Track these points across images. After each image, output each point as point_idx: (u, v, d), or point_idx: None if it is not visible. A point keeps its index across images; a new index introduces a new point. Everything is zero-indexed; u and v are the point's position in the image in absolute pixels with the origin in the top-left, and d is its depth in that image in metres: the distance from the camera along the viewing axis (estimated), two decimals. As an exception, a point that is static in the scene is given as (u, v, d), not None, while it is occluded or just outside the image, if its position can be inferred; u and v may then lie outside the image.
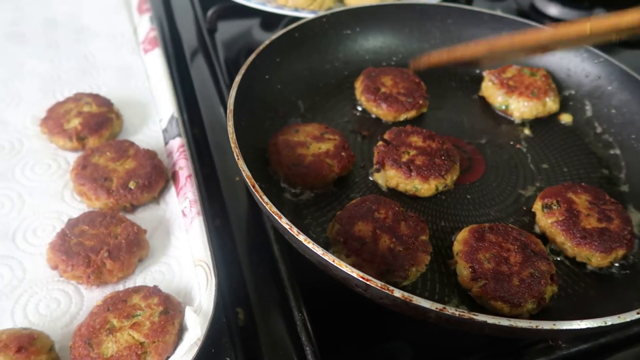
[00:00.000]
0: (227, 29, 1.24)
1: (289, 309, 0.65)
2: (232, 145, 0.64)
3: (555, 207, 0.70)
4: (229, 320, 0.64)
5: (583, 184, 0.74)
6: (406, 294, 0.49)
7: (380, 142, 0.78)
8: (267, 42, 0.85)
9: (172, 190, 0.77)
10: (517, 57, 0.88)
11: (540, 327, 0.48)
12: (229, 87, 0.98)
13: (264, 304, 0.68)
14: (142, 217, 0.73)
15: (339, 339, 0.64)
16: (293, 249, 0.62)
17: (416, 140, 0.77)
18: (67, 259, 0.63)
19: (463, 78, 1.00)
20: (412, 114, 0.88)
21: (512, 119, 0.91)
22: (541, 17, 1.39)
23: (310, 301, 0.65)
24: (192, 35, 1.21)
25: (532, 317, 0.59)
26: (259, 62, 0.81)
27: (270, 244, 0.72)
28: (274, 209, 0.57)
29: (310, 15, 1.01)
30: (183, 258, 0.68)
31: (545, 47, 0.77)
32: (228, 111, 0.69)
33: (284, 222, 0.56)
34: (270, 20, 1.26)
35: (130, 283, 0.66)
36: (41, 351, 0.54)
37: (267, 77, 0.85)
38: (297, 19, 1.05)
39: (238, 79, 0.75)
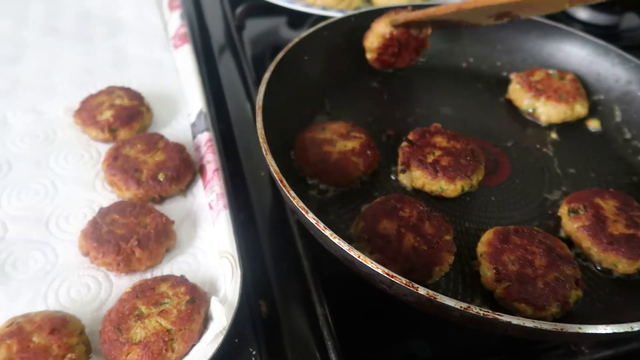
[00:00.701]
0: (254, 27, 1.26)
1: (311, 303, 0.66)
2: (261, 140, 0.65)
3: (582, 212, 0.70)
4: (252, 312, 0.65)
5: (611, 189, 0.74)
6: (430, 292, 0.49)
7: (404, 143, 0.78)
8: (296, 39, 0.86)
9: (199, 183, 0.78)
10: (484, 20, 0.86)
11: (565, 330, 0.48)
12: (255, 84, 1.00)
13: (287, 297, 0.69)
14: (170, 209, 0.75)
15: (360, 334, 0.65)
16: (316, 244, 0.63)
17: (440, 140, 0.77)
18: (98, 246, 0.65)
19: (490, 80, 1.00)
20: None
21: (539, 122, 0.90)
22: (571, 21, 1.37)
23: (332, 296, 0.65)
24: (221, 32, 1.23)
25: (555, 320, 0.59)
26: (288, 60, 0.82)
27: (294, 238, 0.73)
28: (301, 204, 0.58)
29: (338, 15, 1.02)
30: (209, 249, 0.70)
31: (508, 12, 0.80)
32: (257, 107, 0.70)
33: (311, 217, 0.56)
34: (297, 19, 1.28)
35: (157, 272, 0.67)
36: (73, 334, 0.56)
37: (295, 74, 0.86)
38: (324, 17, 1.06)
39: (267, 75, 0.77)
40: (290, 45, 0.84)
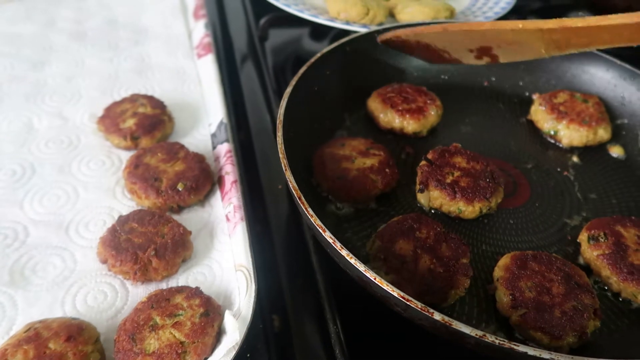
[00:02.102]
0: (277, 37, 1.27)
1: (324, 320, 0.66)
2: (281, 156, 0.66)
3: (602, 240, 0.68)
4: (265, 327, 0.65)
5: (633, 217, 0.72)
6: (446, 318, 0.49)
7: (423, 162, 0.78)
8: (318, 54, 0.87)
9: (218, 194, 0.79)
10: (465, 55, 0.87)
11: (582, 364, 0.47)
12: (276, 95, 1.01)
13: (300, 313, 0.69)
14: (188, 219, 0.75)
15: (372, 354, 0.64)
16: (332, 260, 0.62)
17: (460, 161, 0.77)
18: (116, 254, 0.66)
19: (511, 100, 0.99)
20: None
21: (560, 145, 0.89)
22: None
23: (346, 314, 0.65)
24: (244, 42, 1.25)
25: (572, 350, 0.58)
26: (310, 74, 0.83)
27: (309, 254, 0.73)
28: (319, 222, 0.58)
29: (361, 29, 1.03)
30: (224, 262, 0.70)
31: (488, 47, 0.82)
32: (278, 122, 0.71)
33: (328, 236, 0.56)
34: (319, 31, 1.28)
35: (172, 282, 0.68)
36: (88, 342, 0.57)
37: (316, 89, 0.86)
38: (346, 31, 1.07)
39: (289, 90, 0.77)
40: (312, 60, 0.85)
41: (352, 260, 0.54)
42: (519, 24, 0.74)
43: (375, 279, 0.52)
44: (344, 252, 0.55)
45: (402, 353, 0.65)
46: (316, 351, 0.65)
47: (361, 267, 0.53)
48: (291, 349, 0.65)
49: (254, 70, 1.16)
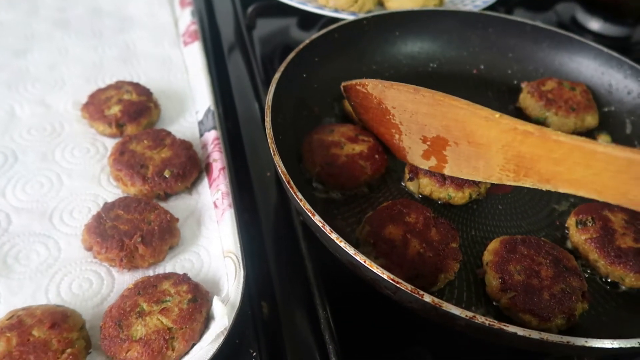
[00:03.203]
0: (264, 26, 1.26)
1: (313, 306, 0.65)
2: (269, 141, 0.65)
3: (590, 224, 0.69)
4: (253, 313, 0.65)
5: (620, 202, 0.73)
6: (436, 299, 0.49)
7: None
8: (307, 41, 0.86)
9: (205, 181, 0.78)
10: (419, 139, 0.72)
11: (571, 343, 0.47)
12: (264, 84, 1.00)
13: (289, 300, 0.68)
14: (174, 206, 0.74)
15: (362, 339, 0.64)
16: (320, 247, 0.62)
17: (450, 147, 0.77)
18: (102, 241, 0.65)
19: (500, 88, 0.99)
20: None
21: (548, 132, 0.90)
22: (582, 31, 1.36)
23: (335, 300, 0.65)
24: (231, 31, 1.23)
25: (560, 332, 0.58)
26: (298, 61, 0.82)
27: (298, 240, 0.72)
28: (308, 206, 0.57)
29: (350, 17, 1.02)
30: (212, 248, 0.69)
31: (444, 141, 0.69)
32: (266, 107, 0.70)
33: (317, 220, 0.56)
34: (307, 20, 1.27)
35: (160, 269, 0.67)
36: (73, 329, 0.56)
37: (304, 75, 0.85)
38: (335, 19, 1.06)
39: (278, 75, 0.76)
40: (301, 46, 0.84)
41: (342, 244, 0.54)
42: (497, 114, 0.63)
43: (365, 261, 0.52)
44: (334, 236, 0.54)
45: (391, 337, 0.65)
46: (305, 337, 0.65)
47: (351, 250, 0.53)
48: (280, 335, 0.65)
49: (242, 59, 1.14)
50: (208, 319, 0.60)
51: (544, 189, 0.63)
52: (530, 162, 0.62)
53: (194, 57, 1.01)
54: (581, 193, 0.62)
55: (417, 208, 0.67)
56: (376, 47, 0.98)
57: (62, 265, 0.66)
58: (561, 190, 0.62)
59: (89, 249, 0.66)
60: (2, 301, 0.61)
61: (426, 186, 0.73)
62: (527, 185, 0.64)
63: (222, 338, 0.56)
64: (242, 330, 0.61)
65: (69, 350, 0.54)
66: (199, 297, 0.60)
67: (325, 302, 0.64)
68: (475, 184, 0.72)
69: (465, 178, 0.71)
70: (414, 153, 0.74)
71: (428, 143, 0.71)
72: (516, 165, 0.63)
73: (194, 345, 0.57)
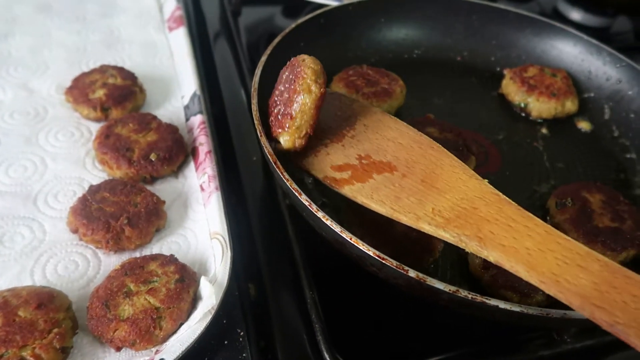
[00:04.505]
0: (250, 14, 1.25)
1: (300, 287, 0.66)
2: (256, 122, 0.65)
3: (569, 205, 0.71)
4: (241, 294, 0.65)
5: (598, 183, 0.75)
6: (420, 275, 0.50)
7: (398, 131, 0.78)
8: (293, 25, 0.86)
9: (191, 165, 0.78)
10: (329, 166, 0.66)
11: (551, 315, 0.49)
12: (250, 71, 1.00)
13: (276, 281, 0.69)
14: (161, 189, 0.74)
15: (348, 318, 0.65)
16: (307, 229, 0.63)
17: (433, 130, 0.78)
18: (88, 223, 0.64)
19: (483, 74, 1.01)
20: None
21: (530, 117, 0.91)
22: (564, 22, 1.38)
23: (321, 280, 0.66)
24: (216, 18, 1.22)
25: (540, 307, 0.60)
26: (284, 45, 0.82)
27: (284, 223, 0.73)
28: (294, 185, 0.58)
29: (335, 3, 1.02)
30: (199, 230, 0.69)
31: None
32: (253, 89, 0.70)
33: (304, 199, 0.56)
34: (293, 8, 1.27)
35: (146, 251, 0.67)
36: (60, 309, 0.56)
37: (289, 59, 0.85)
38: (320, 7, 1.06)
39: (264, 58, 0.76)
40: (287, 30, 0.84)
41: (328, 222, 0.54)
42: (482, 180, 0.59)
43: (351, 239, 0.53)
44: (320, 214, 0.55)
45: (377, 316, 0.66)
46: (292, 317, 0.65)
47: (337, 228, 0.54)
48: (268, 315, 0.65)
49: (227, 45, 1.14)
50: (195, 299, 0.60)
51: (460, 245, 0.53)
52: (476, 218, 0.54)
53: (179, 42, 1.01)
54: (508, 263, 0.50)
55: (402, 189, 0.68)
56: (361, 33, 0.99)
57: (48, 247, 0.65)
58: (485, 253, 0.51)
59: (75, 231, 0.66)
60: (-14, 283, 0.60)
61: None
62: (446, 236, 0.53)
63: (209, 317, 0.57)
64: (230, 311, 0.61)
65: (55, 330, 0.54)
66: (186, 278, 0.60)
67: (311, 282, 0.65)
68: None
69: (372, 205, 0.59)
70: (325, 160, 0.65)
71: (363, 161, 0.64)
72: (457, 216, 0.54)
73: (181, 324, 0.58)
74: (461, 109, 0.92)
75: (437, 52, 1.03)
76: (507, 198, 0.56)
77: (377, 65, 0.94)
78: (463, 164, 0.62)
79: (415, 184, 0.61)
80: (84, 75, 0.87)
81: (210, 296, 0.57)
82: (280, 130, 0.64)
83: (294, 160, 0.67)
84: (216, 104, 0.97)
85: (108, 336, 0.55)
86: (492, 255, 0.51)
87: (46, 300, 0.56)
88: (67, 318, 0.56)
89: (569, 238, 0.51)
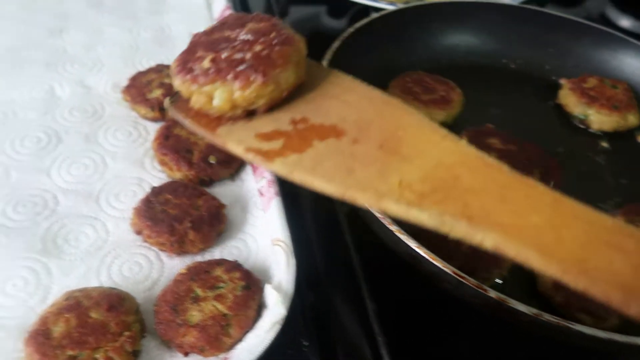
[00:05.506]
0: (295, 13, 1.25)
1: (360, 297, 0.65)
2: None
3: (639, 224, 0.69)
4: (302, 303, 0.65)
5: (667, 203, 0.73)
6: (501, 296, 0.49)
7: (459, 141, 0.77)
8: (351, 29, 0.85)
9: (248, 168, 0.78)
10: None
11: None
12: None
13: (336, 290, 0.69)
14: (218, 192, 0.74)
15: (411, 332, 0.64)
16: (366, 238, 0.62)
17: (495, 142, 0.77)
18: (153, 225, 0.64)
19: (539, 83, 0.99)
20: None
21: (590, 130, 0.89)
22: (612, 29, 1.35)
23: (383, 292, 0.65)
24: (263, 17, 1.22)
25: (614, 332, 0.59)
26: (344, 48, 0.81)
27: (342, 231, 0.72)
28: (367, 197, 0.57)
29: (388, 7, 1.01)
30: (259, 236, 0.69)
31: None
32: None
33: (375, 211, 0.56)
34: (338, 9, 1.26)
35: (207, 256, 0.67)
36: (129, 312, 0.56)
37: (347, 64, 0.84)
38: (365, 9, 1.05)
39: (325, 63, 0.75)
40: (345, 34, 0.83)
41: (403, 237, 0.54)
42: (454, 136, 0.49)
43: (427, 255, 0.52)
44: (394, 228, 0.54)
45: (440, 329, 0.65)
46: (354, 328, 0.65)
47: (412, 243, 0.53)
48: (328, 325, 0.65)
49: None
50: (260, 307, 0.60)
51: (443, 230, 0.42)
52: (460, 190, 0.42)
53: (231, 42, 1.00)
54: (513, 248, 0.38)
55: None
56: (416, 37, 0.97)
57: (111, 247, 0.65)
58: (479, 237, 0.40)
59: (139, 232, 0.66)
60: (55, 281, 0.61)
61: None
62: (422, 218, 0.42)
63: (278, 327, 0.56)
64: (291, 320, 0.61)
65: (126, 333, 0.54)
66: (251, 285, 0.60)
67: (372, 293, 0.64)
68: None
69: (316, 182, 0.47)
70: (246, 127, 0.52)
71: (299, 126, 0.51)
72: (433, 189, 0.43)
73: (246, 333, 0.57)
74: (518, 119, 0.90)
75: (491, 59, 1.01)
76: (495, 161, 0.45)
77: (431, 71, 0.93)
78: (431, 122, 0.49)
79: (371, 150, 0.47)
80: (140, 74, 0.87)
81: (278, 305, 0.57)
82: (220, 81, 0.49)
83: (202, 127, 0.54)
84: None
85: (177, 341, 0.55)
86: (490, 239, 0.38)
87: (116, 302, 0.56)
88: (136, 321, 0.56)
89: (586, 206, 0.40)
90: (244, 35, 0.53)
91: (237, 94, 0.49)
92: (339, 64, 0.79)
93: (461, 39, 1.01)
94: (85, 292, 0.57)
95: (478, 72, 0.98)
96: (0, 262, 0.61)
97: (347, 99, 0.53)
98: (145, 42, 1.01)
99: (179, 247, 0.64)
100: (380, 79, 0.89)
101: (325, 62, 0.76)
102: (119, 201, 0.71)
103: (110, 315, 0.55)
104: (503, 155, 0.74)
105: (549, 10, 1.10)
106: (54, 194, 0.70)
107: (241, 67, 0.49)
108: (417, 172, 0.44)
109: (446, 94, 0.85)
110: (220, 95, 0.50)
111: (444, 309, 0.64)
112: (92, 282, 0.62)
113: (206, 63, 0.50)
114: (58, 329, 0.53)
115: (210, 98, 0.50)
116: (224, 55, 0.51)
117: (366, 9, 1.15)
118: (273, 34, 0.53)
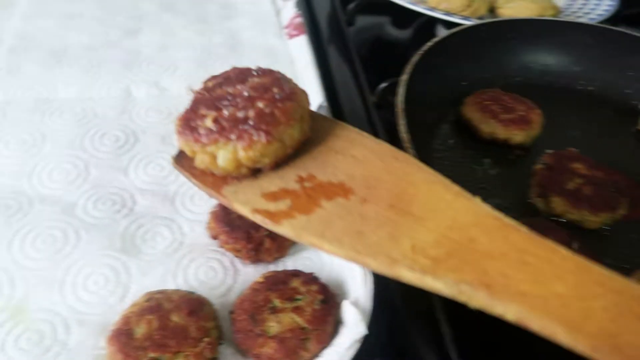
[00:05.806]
0: (361, 23, 1.25)
1: (434, 318, 0.63)
2: (407, 145, 0.63)
3: None
4: (377, 320, 0.63)
5: None
6: (605, 333, 0.46)
7: (540, 166, 0.74)
8: (429, 44, 0.84)
9: (320, 178, 0.77)
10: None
11: None
12: (366, 81, 0.98)
13: (410, 311, 0.67)
14: (290, 201, 0.73)
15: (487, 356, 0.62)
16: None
17: (580, 167, 0.73)
18: (230, 231, 0.64)
19: (619, 107, 0.94)
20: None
21: (675, 160, 0.85)
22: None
23: (458, 315, 0.62)
24: (330, 26, 1.22)
25: None
26: (422, 63, 0.80)
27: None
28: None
29: (463, 22, 0.99)
30: (332, 249, 0.68)
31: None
32: (399, 110, 0.69)
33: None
34: (403, 19, 1.25)
35: (280, 265, 0.66)
36: (209, 318, 0.56)
37: (424, 79, 0.83)
38: (432, 20, 1.03)
39: (405, 77, 0.75)
40: (425, 48, 0.82)
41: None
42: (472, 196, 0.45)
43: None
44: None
45: (520, 355, 0.62)
46: (427, 350, 0.63)
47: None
48: (402, 345, 0.63)
49: (340, 55, 1.13)
50: (336, 323, 0.58)
51: (461, 299, 0.39)
52: (477, 255, 0.39)
53: (301, 50, 1.00)
54: (537, 321, 0.36)
55: (554, 231, 0.64)
56: (491, 54, 0.95)
57: (187, 250, 0.65)
58: (500, 309, 0.37)
59: (215, 237, 0.66)
60: (133, 281, 0.61)
61: (558, 205, 0.70)
62: (437, 286, 0.40)
63: (358, 345, 0.55)
64: (369, 338, 0.59)
65: (206, 339, 0.53)
66: (329, 299, 0.59)
67: (447, 315, 0.62)
68: (612, 209, 0.68)
69: (326, 246, 0.45)
70: (252, 186, 0.51)
71: (306, 184, 0.49)
72: (447, 254, 0.40)
73: (323, 348, 0.56)
74: (598, 143, 0.86)
75: (567, 80, 0.98)
76: (513, 221, 0.41)
77: (505, 90, 0.90)
78: (443, 177, 0.47)
79: (382, 210, 0.46)
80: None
81: (357, 323, 0.55)
82: (223, 140, 0.48)
83: (209, 187, 0.52)
84: (336, 115, 0.95)
85: (254, 351, 0.55)
86: (512, 312, 0.36)
87: (197, 307, 0.56)
88: (215, 327, 0.56)
89: (611, 272, 0.36)
90: (246, 92, 0.52)
91: (242, 154, 0.48)
92: (415, 79, 0.79)
93: (536, 58, 0.98)
94: (166, 295, 0.57)
95: (554, 93, 0.95)
96: (82, 257, 0.62)
97: (354, 154, 0.51)
98: (217, 47, 1.02)
99: (255, 254, 0.64)
100: (454, 95, 0.88)
101: (405, 77, 0.75)
102: (194, 204, 0.71)
103: (191, 320, 0.54)
104: (589, 182, 0.71)
105: (631, 31, 1.06)
106: (132, 193, 0.71)
107: (244, 126, 0.48)
108: (430, 234, 0.42)
109: (525, 114, 0.82)
110: (225, 156, 0.49)
111: (526, 335, 0.61)
112: (169, 284, 0.62)
113: (208, 122, 0.50)
114: (140, 330, 0.53)
115: (215, 158, 0.50)
116: (226, 113, 0.50)
117: (431, 21, 1.14)
118: (275, 89, 0.52)
